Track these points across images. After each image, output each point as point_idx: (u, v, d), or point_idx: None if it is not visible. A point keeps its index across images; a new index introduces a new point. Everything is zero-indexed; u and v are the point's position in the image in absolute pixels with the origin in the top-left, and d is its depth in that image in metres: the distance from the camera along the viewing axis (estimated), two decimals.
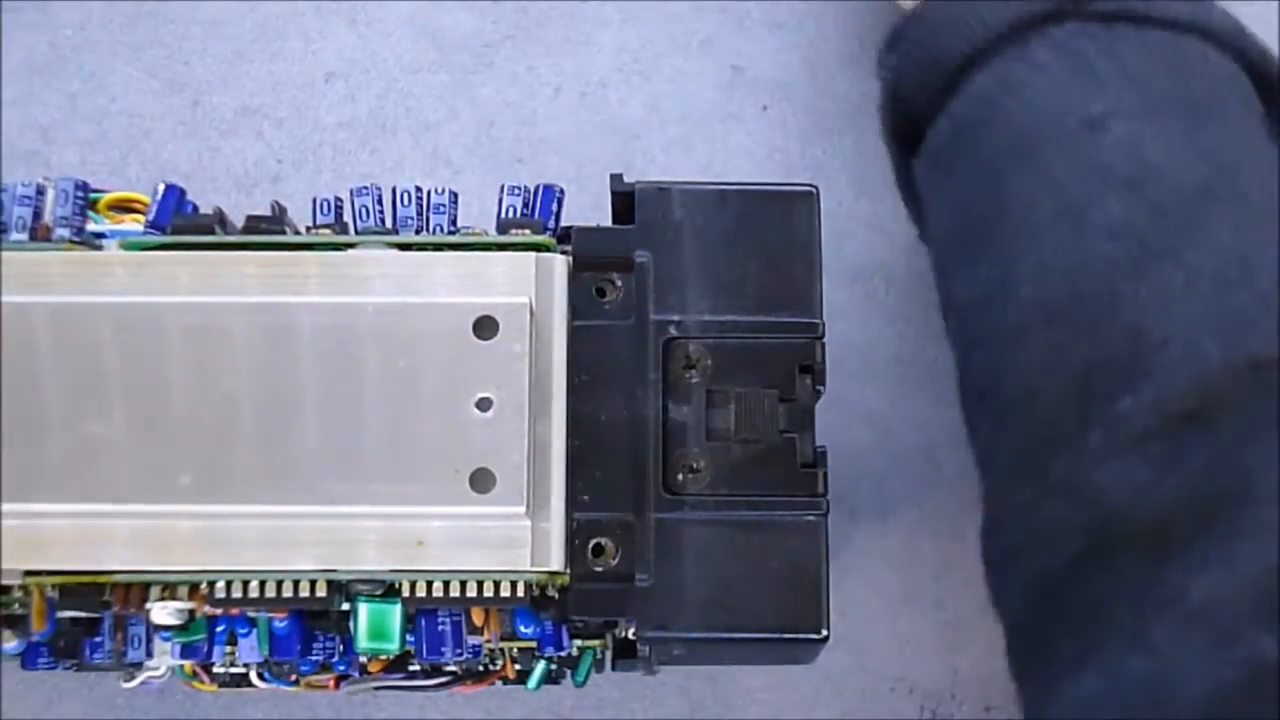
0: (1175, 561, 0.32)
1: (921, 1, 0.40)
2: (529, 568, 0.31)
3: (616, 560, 0.31)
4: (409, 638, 0.32)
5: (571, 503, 0.32)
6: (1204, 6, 0.38)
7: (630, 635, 0.32)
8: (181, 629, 0.32)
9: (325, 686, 0.35)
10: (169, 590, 0.31)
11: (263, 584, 0.31)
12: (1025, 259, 0.36)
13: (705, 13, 0.49)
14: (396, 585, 0.31)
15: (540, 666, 0.34)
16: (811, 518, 0.32)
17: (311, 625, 0.33)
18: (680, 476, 0.32)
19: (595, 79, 0.49)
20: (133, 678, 0.34)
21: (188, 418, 0.31)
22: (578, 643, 0.34)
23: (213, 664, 0.34)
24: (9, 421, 0.30)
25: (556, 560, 0.31)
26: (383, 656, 0.34)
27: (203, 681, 0.35)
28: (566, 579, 0.31)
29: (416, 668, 0.35)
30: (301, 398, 0.31)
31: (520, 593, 0.31)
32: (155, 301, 0.31)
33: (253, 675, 0.35)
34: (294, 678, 0.35)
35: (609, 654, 0.34)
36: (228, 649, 0.33)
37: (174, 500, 0.30)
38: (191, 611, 0.32)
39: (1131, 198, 0.35)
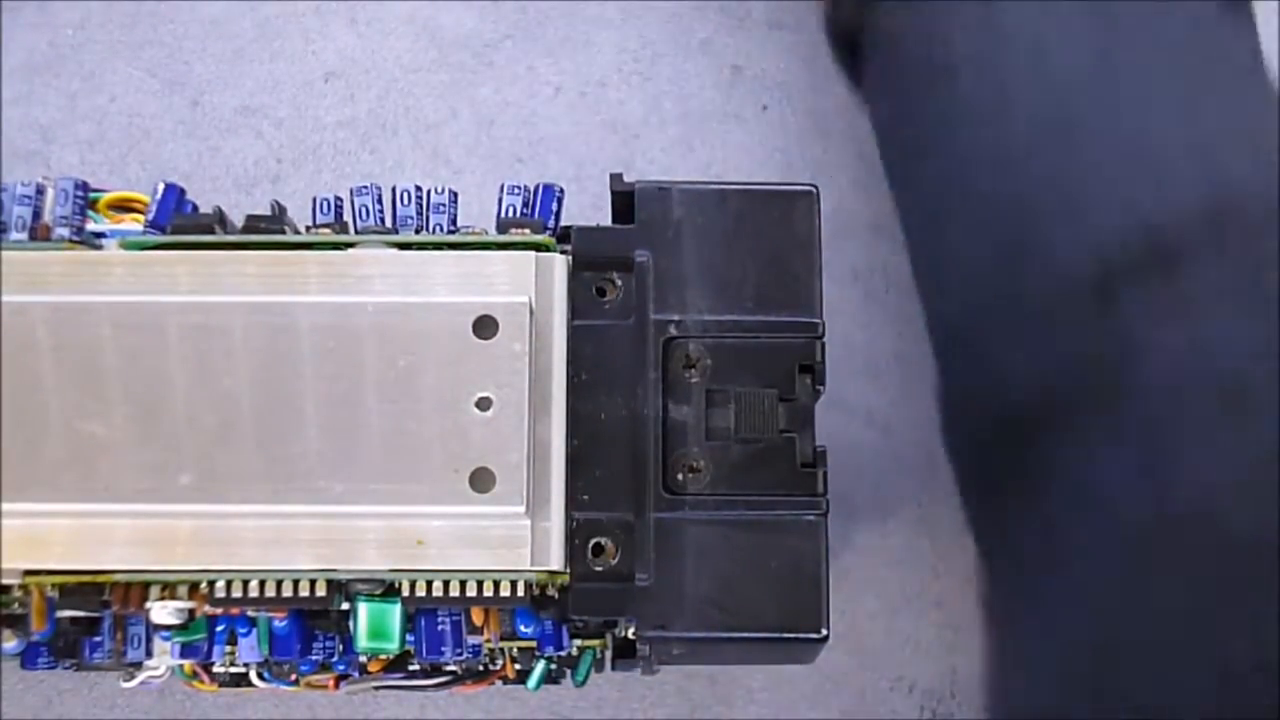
0: (1066, 441, 0.35)
1: None
2: (529, 567, 0.31)
3: (616, 560, 0.31)
4: (409, 637, 0.32)
5: (571, 502, 0.32)
6: None
7: (630, 635, 0.32)
8: (181, 629, 0.32)
9: (325, 686, 0.35)
10: (169, 590, 0.31)
11: (263, 584, 0.31)
12: (949, 157, 0.38)
13: (705, 13, 0.49)
14: (396, 585, 0.31)
15: (540, 666, 0.34)
16: (811, 517, 0.32)
17: (311, 625, 0.33)
18: (680, 476, 0.32)
19: (595, 79, 0.49)
20: (133, 677, 0.34)
21: (188, 418, 0.30)
22: (578, 642, 0.34)
23: (213, 664, 0.34)
24: (9, 421, 0.30)
25: (556, 560, 0.31)
26: (383, 656, 0.34)
27: (203, 681, 0.35)
28: (566, 578, 0.31)
29: (416, 667, 0.35)
30: (301, 397, 0.31)
31: (520, 592, 0.31)
32: (155, 301, 0.31)
33: (253, 675, 0.35)
34: (294, 677, 0.35)
35: (609, 654, 0.34)
36: (228, 649, 0.33)
37: (174, 500, 0.30)
38: (191, 611, 0.32)
39: (1029, 83, 0.36)
